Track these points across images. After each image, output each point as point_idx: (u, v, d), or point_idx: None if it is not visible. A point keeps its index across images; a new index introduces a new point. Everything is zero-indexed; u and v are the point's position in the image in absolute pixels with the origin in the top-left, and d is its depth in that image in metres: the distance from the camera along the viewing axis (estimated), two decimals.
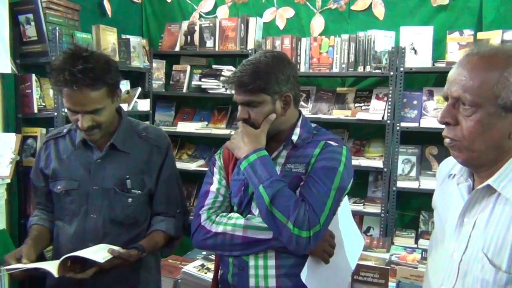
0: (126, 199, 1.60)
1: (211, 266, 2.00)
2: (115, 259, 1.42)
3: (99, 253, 1.42)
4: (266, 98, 1.39)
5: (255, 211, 1.43)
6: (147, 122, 2.37)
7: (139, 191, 1.62)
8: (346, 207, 1.55)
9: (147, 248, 1.55)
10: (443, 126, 1.07)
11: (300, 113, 1.52)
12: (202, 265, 2.06)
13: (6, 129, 2.53)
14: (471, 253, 1.03)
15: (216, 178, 1.53)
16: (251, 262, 1.41)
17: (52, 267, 1.36)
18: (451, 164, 1.20)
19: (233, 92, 1.44)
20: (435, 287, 1.14)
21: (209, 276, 1.90)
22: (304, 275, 1.37)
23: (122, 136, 1.62)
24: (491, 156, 1.02)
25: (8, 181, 2.38)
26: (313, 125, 1.53)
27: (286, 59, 1.46)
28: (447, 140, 1.05)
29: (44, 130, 2.67)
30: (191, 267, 2.03)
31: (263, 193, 1.31)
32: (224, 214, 1.47)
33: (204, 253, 2.25)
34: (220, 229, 1.42)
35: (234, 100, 1.44)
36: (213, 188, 1.51)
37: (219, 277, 1.56)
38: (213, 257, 2.02)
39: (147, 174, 1.63)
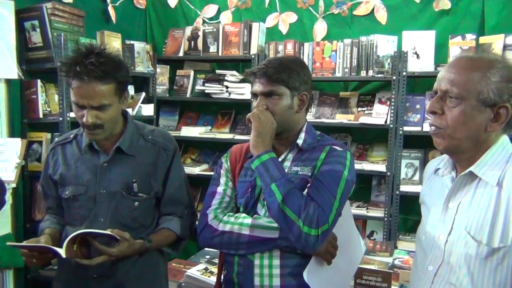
0: (132, 203, 1.60)
1: (215, 269, 2.01)
2: (123, 242, 1.44)
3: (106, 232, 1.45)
4: (285, 91, 1.45)
5: (261, 211, 1.47)
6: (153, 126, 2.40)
7: (146, 195, 1.62)
8: (348, 211, 1.57)
9: (153, 240, 1.57)
10: None
11: (305, 120, 1.57)
12: (206, 269, 2.07)
13: (12, 134, 2.56)
14: (455, 233, 1.15)
15: (223, 180, 1.56)
16: (256, 261, 1.43)
17: (59, 248, 1.39)
18: (436, 163, 1.35)
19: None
20: (423, 268, 1.23)
21: (213, 279, 1.91)
22: (306, 274, 1.39)
23: (128, 140, 1.62)
24: (468, 145, 1.15)
25: (14, 185, 2.41)
26: (317, 132, 1.58)
27: (306, 64, 1.56)
28: (432, 128, 1.18)
29: (49, 135, 2.70)
30: (195, 271, 2.05)
31: (275, 191, 1.33)
32: (231, 213, 1.49)
33: (207, 256, 2.26)
34: (227, 227, 1.45)
35: (252, 92, 1.51)
36: (220, 189, 1.55)
37: (222, 277, 1.57)
38: (216, 260, 2.03)
39: (153, 177, 1.63)
